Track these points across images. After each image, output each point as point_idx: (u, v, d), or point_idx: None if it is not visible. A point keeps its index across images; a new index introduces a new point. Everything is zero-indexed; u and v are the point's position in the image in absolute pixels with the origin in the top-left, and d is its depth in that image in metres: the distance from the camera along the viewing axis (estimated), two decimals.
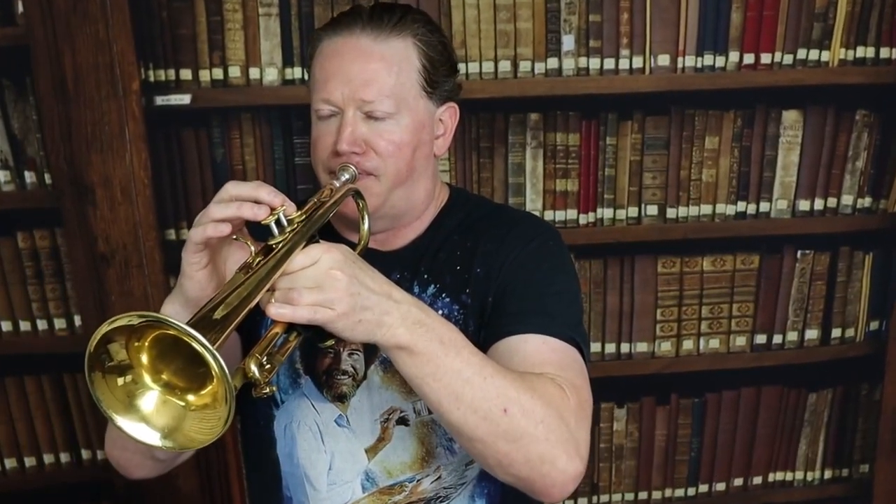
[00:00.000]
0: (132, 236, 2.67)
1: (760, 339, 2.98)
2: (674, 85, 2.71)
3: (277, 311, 1.28)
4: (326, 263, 1.31)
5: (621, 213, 2.81)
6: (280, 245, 1.33)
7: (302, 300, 1.28)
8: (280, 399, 1.76)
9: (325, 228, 1.63)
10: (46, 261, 2.74)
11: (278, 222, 1.35)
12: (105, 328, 1.13)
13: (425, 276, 1.71)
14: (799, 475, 3.16)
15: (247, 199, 1.37)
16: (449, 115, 1.73)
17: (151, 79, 2.59)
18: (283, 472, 1.79)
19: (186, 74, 2.60)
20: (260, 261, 1.31)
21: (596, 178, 2.77)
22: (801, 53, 2.74)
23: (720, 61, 2.71)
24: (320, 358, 1.73)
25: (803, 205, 2.87)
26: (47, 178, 2.65)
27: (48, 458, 2.93)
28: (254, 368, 1.26)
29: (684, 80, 2.71)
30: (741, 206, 2.84)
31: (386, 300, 1.35)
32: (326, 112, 1.63)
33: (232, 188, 1.38)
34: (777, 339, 2.99)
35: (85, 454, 2.93)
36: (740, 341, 2.97)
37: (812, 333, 3.00)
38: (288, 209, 1.37)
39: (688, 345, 2.95)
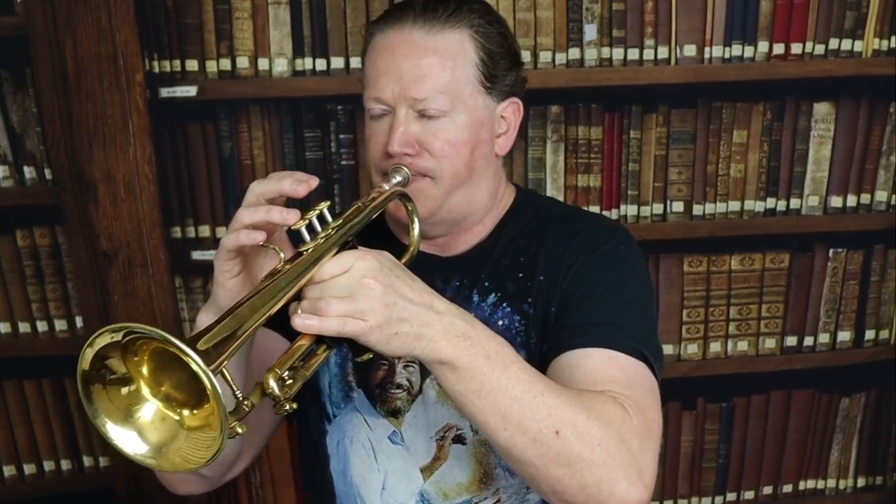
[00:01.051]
0: (136, 234, 2.66)
1: (791, 340, 2.95)
2: (700, 76, 2.68)
3: (303, 321, 1.25)
4: (359, 271, 1.27)
5: (646, 210, 2.78)
6: (309, 251, 1.30)
7: (330, 310, 1.25)
8: (332, 413, 1.73)
9: (382, 233, 1.65)
10: (46, 260, 2.73)
11: (310, 227, 1.32)
12: (89, 352, 1.10)
13: (486, 284, 1.66)
14: (831, 483, 3.12)
15: (272, 195, 1.35)
16: (512, 111, 1.67)
17: (156, 70, 2.58)
18: (338, 491, 1.75)
19: (192, 65, 2.59)
20: (287, 269, 1.27)
21: (619, 174, 2.75)
22: (834, 43, 2.70)
23: (749, 51, 2.69)
24: (374, 370, 1.68)
25: (835, 201, 2.83)
26: (47, 174, 2.64)
27: (48, 466, 2.91)
28: (272, 384, 1.22)
29: (711, 72, 2.69)
30: (770, 202, 2.81)
31: (426, 311, 1.31)
32: (378, 111, 1.59)
33: (256, 187, 1.36)
34: (808, 341, 2.95)
35: (87, 461, 2.91)
36: (770, 343, 2.93)
37: (844, 335, 2.96)
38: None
39: (715, 347, 2.92)
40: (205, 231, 2.71)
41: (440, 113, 1.56)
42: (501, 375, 1.33)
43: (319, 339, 1.30)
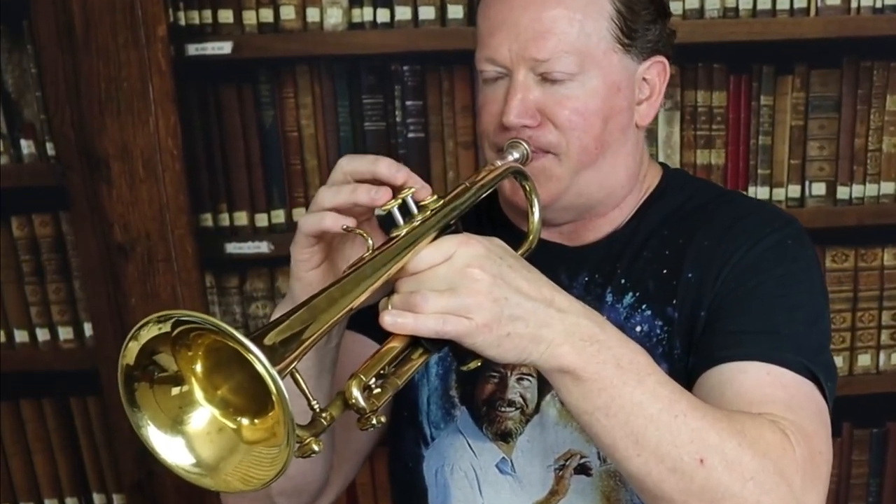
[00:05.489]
0: (157, 222, 2.60)
1: None
2: (846, 30, 2.56)
3: (394, 319, 1.19)
4: (463, 259, 1.21)
5: (780, 193, 2.66)
6: (402, 236, 1.25)
7: (427, 306, 1.19)
8: (430, 435, 1.65)
9: (497, 220, 1.63)
10: (48, 254, 2.66)
11: (405, 209, 1.27)
12: (134, 346, 1.07)
13: (622, 282, 1.57)
14: None
15: (364, 176, 1.31)
16: (656, 72, 1.57)
17: (182, 22, 2.52)
18: None
19: (226, 16, 2.52)
20: (374, 255, 1.23)
21: (747, 149, 2.64)
22: None
23: None
24: (481, 384, 1.61)
25: None
26: (49, 149, 2.59)
27: None
28: (356, 393, 1.15)
29: (859, 24, 2.56)
30: None
31: (545, 308, 1.24)
32: (492, 74, 1.52)
33: (346, 164, 1.33)
34: None
35: (98, 499, 2.87)
36: None
37: None
38: (420, 193, 1.30)
39: (864, 360, 2.80)
40: (241, 219, 2.62)
41: (566, 76, 1.48)
42: (635, 389, 1.26)
43: (415, 342, 1.24)
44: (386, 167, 1.29)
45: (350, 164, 1.32)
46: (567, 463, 1.59)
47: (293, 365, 1.09)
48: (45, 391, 2.73)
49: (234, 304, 2.65)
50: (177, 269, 2.62)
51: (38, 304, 2.67)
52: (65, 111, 2.51)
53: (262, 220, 2.59)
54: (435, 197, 1.31)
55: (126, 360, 1.07)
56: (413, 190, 1.28)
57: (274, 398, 1.03)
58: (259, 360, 1.01)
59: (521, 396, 1.60)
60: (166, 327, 1.05)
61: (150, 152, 2.53)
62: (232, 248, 2.62)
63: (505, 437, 1.61)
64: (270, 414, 1.08)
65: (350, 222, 1.28)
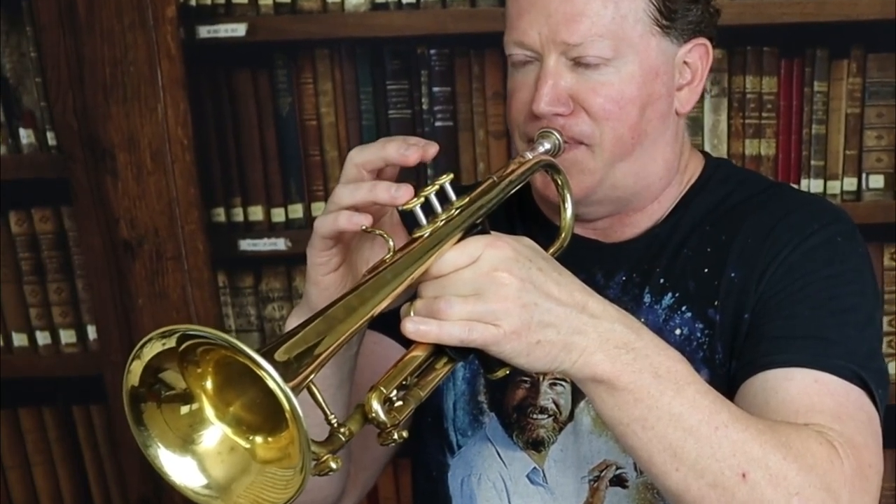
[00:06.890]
0: (166, 217, 2.59)
1: None
2: None
3: (416, 327, 1.20)
4: (489, 262, 1.21)
5: (834, 186, 2.59)
6: (425, 237, 1.25)
7: (452, 313, 1.19)
8: (456, 443, 1.66)
9: (530, 215, 1.65)
10: (49, 251, 2.66)
11: (428, 206, 1.26)
12: (138, 366, 1.06)
13: (661, 281, 1.57)
14: None
15: (376, 165, 1.32)
16: (698, 55, 1.55)
17: (192, 2, 2.52)
18: None
19: None
20: (396, 258, 1.24)
21: (799, 139, 2.59)
22: None
23: None
24: (511, 389, 1.61)
25: None
26: (50, 139, 2.59)
27: None
28: (376, 407, 1.15)
29: None
30: None
31: (577, 314, 1.25)
32: (521, 58, 1.51)
33: (356, 156, 1.33)
34: None
35: None
36: None
37: None
38: (428, 150, 1.32)
39: None
40: (256, 213, 2.61)
41: (600, 61, 1.48)
42: (674, 400, 1.27)
43: (439, 350, 1.25)
44: (395, 150, 1.29)
45: (360, 156, 1.31)
46: (602, 474, 1.59)
47: (308, 380, 1.08)
48: (45, 399, 2.72)
49: (248, 304, 2.66)
50: (187, 267, 2.62)
51: (39, 305, 2.67)
52: (67, 98, 2.51)
53: (278, 215, 2.59)
54: (463, 195, 1.31)
55: (131, 382, 1.07)
56: (437, 186, 1.26)
57: (288, 417, 1.03)
58: (271, 377, 1.00)
59: (554, 403, 1.60)
60: (171, 343, 1.05)
61: (158, 142, 2.52)
62: (246, 244, 2.62)
63: (536, 445, 1.61)
64: (285, 433, 1.08)
65: (366, 220, 1.27)
